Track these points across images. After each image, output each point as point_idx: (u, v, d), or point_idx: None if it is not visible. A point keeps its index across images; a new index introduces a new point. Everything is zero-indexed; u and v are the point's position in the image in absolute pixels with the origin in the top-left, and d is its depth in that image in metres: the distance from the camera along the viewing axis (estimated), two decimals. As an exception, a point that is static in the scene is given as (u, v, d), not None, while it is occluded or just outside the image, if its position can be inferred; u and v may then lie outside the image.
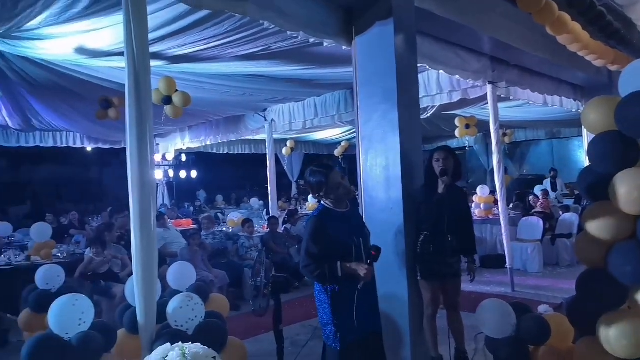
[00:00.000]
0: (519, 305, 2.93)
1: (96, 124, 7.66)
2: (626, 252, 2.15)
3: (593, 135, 2.36)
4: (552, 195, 10.98)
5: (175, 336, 2.51)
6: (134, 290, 2.80)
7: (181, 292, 3.39)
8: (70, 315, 2.75)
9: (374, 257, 2.52)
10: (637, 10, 4.18)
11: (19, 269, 5.53)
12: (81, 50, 4.51)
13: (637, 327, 2.15)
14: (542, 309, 3.14)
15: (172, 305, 2.90)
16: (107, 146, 10.64)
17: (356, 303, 2.51)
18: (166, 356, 1.85)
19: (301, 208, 11.61)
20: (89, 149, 11.44)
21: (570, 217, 7.77)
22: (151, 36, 4.08)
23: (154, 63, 4.97)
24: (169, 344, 1.93)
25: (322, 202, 2.71)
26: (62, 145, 9.84)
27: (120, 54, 4.38)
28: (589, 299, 2.31)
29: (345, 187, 2.68)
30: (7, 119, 7.50)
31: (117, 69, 5.09)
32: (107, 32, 4.03)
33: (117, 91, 6.01)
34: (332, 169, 2.73)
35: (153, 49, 4.48)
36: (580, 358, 2.38)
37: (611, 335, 2.16)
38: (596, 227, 2.26)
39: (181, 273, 3.75)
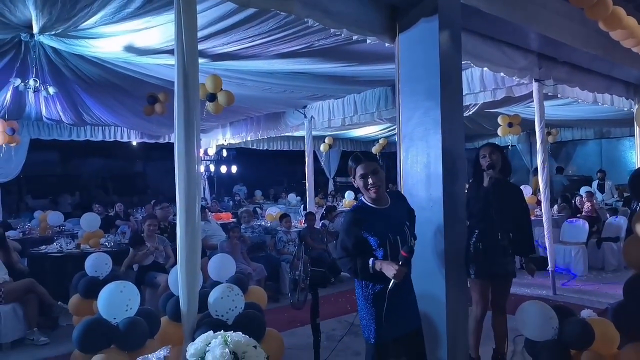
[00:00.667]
0: (561, 308, 2.86)
1: (142, 119, 7.94)
2: (679, 258, 2.07)
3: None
4: (600, 197, 10.55)
5: (215, 325, 2.60)
6: (177, 279, 2.91)
7: (221, 283, 3.49)
8: (118, 301, 2.89)
9: (405, 258, 2.39)
10: (699, 4, 3.96)
11: (69, 257, 5.82)
12: (132, 48, 4.70)
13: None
14: (585, 313, 3.05)
15: (214, 295, 3.00)
16: (152, 140, 11.01)
17: (387, 302, 2.44)
18: (209, 343, 1.93)
19: (338, 204, 11.65)
20: (134, 143, 11.86)
21: (618, 220, 7.45)
22: (199, 34, 4.23)
23: (200, 60, 5.14)
24: (211, 331, 2.00)
25: (361, 197, 2.70)
26: (110, 140, 10.27)
27: (168, 51, 4.57)
28: (637, 304, 2.23)
29: (369, 181, 2.51)
30: (61, 113, 7.89)
31: (164, 66, 5.27)
32: (157, 30, 4.18)
33: (163, 87, 6.22)
34: (361, 160, 2.55)
35: (200, 46, 4.60)
36: (627, 365, 2.31)
37: (661, 342, 2.09)
38: (647, 231, 2.18)
39: (221, 265, 3.86)
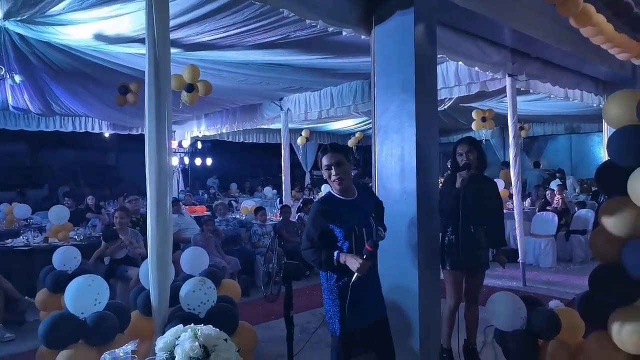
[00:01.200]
0: (530, 299, 2.92)
1: (114, 109, 7.76)
2: (642, 249, 2.12)
3: (613, 130, 2.32)
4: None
5: (187, 319, 2.55)
6: (148, 273, 2.86)
7: (194, 276, 3.45)
8: (86, 296, 2.82)
9: (369, 252, 2.34)
10: (664, 3, 4.07)
11: (36, 250, 5.66)
12: (102, 36, 4.57)
13: (651, 324, 2.13)
14: (553, 304, 3.12)
15: (185, 288, 2.96)
16: (124, 132, 10.78)
17: (350, 295, 2.42)
18: (178, 337, 1.89)
19: (315, 198, 11.64)
20: (106, 134, 11.59)
21: (585, 214, 7.66)
22: (171, 23, 4.13)
23: (172, 50, 5.03)
24: (181, 325, 1.96)
25: (329, 189, 2.68)
26: (81, 131, 10.00)
27: (141, 40, 4.45)
28: (602, 294, 2.29)
29: (333, 174, 2.49)
30: (28, 103, 7.64)
31: (136, 55, 5.14)
32: (128, 18, 4.07)
33: (135, 77, 6.08)
34: (326, 149, 2.54)
35: (172, 35, 4.51)
36: (590, 353, 2.37)
37: (623, 330, 2.15)
38: (612, 223, 2.23)
39: (194, 258, 3.81)
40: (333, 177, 2.49)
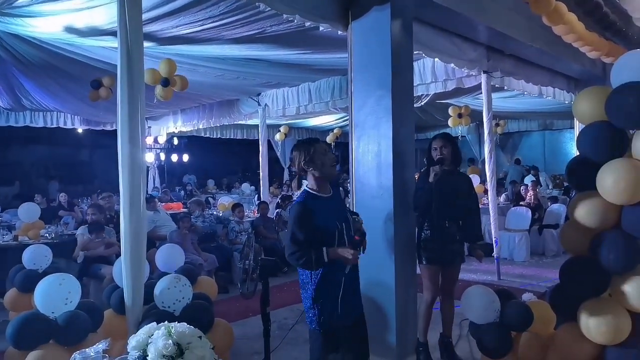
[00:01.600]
0: (503, 292, 2.97)
1: (88, 104, 7.57)
2: (610, 241, 2.18)
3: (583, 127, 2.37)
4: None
5: (161, 317, 2.51)
6: (122, 271, 2.80)
7: (169, 274, 3.40)
8: (56, 295, 2.75)
9: (357, 241, 2.47)
10: (634, 2, 4.18)
11: (5, 249, 5.50)
12: (73, 29, 4.44)
13: (617, 314, 2.19)
14: (526, 296, 3.18)
15: (160, 286, 2.92)
16: (98, 128, 10.55)
17: (342, 288, 2.48)
18: (152, 335, 1.86)
19: (293, 194, 11.61)
20: (80, 130, 11.33)
21: (558, 208, 7.85)
22: (144, 16, 4.04)
23: (146, 44, 4.93)
24: (155, 323, 1.93)
25: (305, 187, 2.67)
26: (53, 126, 9.73)
27: (113, 33, 4.34)
28: (572, 286, 2.34)
29: (332, 157, 2.57)
30: (-4, 97, 7.40)
31: (109, 48, 5.02)
32: (100, 10, 3.97)
33: (109, 72, 5.95)
34: (318, 140, 2.64)
35: (146, 29, 4.42)
36: (560, 343, 2.43)
37: (591, 321, 2.20)
38: (582, 216, 2.28)
39: (169, 255, 3.76)
40: (333, 162, 2.55)
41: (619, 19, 4.90)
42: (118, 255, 4.72)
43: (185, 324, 1.97)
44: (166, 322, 1.95)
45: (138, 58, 2.73)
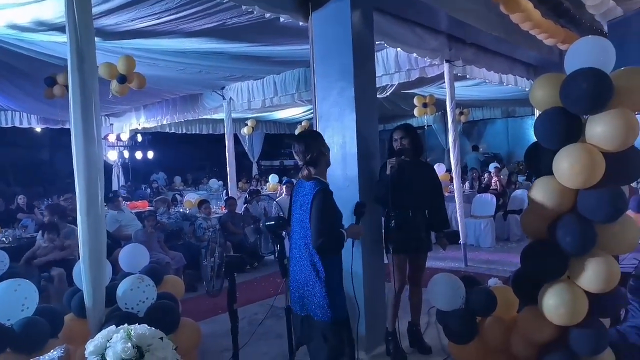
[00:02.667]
0: (468, 279, 3.02)
1: (43, 103, 7.28)
2: (567, 225, 2.23)
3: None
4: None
5: (125, 319, 2.44)
6: (82, 273, 2.70)
7: (133, 274, 3.31)
8: (11, 301, 2.64)
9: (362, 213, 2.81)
10: (586, -10, 4.29)
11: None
12: (19, 24, 4.24)
13: (574, 296, 2.25)
14: (491, 282, 3.24)
15: (122, 287, 2.83)
16: (57, 126, 10.18)
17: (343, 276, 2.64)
18: (110, 339, 1.80)
19: (262, 189, 11.54)
20: (38, 129, 10.92)
21: (521, 194, 8.05)
22: (96, 9, 3.90)
23: (101, 39, 4.76)
24: (114, 326, 1.88)
25: (314, 176, 2.58)
26: (8, 125, 9.35)
27: (62, 28, 4.17)
28: (532, 270, 2.40)
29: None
30: (-56, 97, 7.03)
31: (62, 43, 4.82)
32: (48, 4, 3.79)
33: (64, 67, 5.71)
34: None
35: (99, 22, 4.27)
36: (522, 326, 2.48)
37: (551, 303, 2.26)
38: (540, 201, 2.33)
39: (133, 255, 3.67)
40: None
41: (572, 7, 5.02)
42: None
43: (146, 325, 1.92)
44: (126, 324, 1.90)
45: (89, 52, 2.62)
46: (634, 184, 6.46)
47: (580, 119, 2.26)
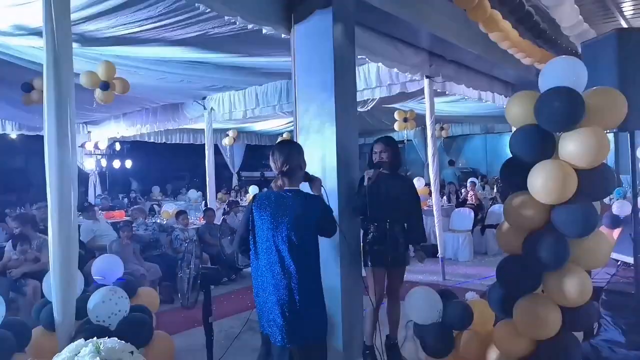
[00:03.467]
0: (446, 292, 3.03)
1: (20, 109, 7.14)
2: (541, 240, 2.26)
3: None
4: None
5: (95, 332, 2.38)
6: (52, 285, 2.63)
7: (106, 286, 3.23)
8: (-24, 314, 2.54)
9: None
10: (561, 11, 4.42)
11: None
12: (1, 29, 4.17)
13: (548, 310, 2.28)
14: (469, 295, 3.26)
15: (94, 299, 2.76)
16: (32, 133, 9.97)
17: None
18: (78, 353, 1.74)
19: (242, 200, 11.46)
20: (13, 135, 10.68)
21: (499, 208, 8.15)
22: (76, 15, 3.85)
23: (80, 45, 4.70)
24: (82, 339, 1.82)
25: (292, 188, 2.56)
26: (-20, 131, 9.13)
27: (40, 32, 4.10)
28: (507, 285, 2.42)
29: None
30: None
31: (40, 49, 4.74)
32: (29, 8, 3.73)
33: (42, 73, 5.61)
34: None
35: (80, 29, 4.22)
36: (498, 340, 2.50)
37: (525, 317, 2.28)
38: (515, 216, 2.36)
39: (107, 266, 3.58)
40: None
41: (549, 28, 5.17)
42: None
43: (116, 339, 1.87)
44: (95, 338, 1.85)
45: (66, 58, 2.59)
46: (606, 200, 6.62)
47: (554, 136, 2.31)
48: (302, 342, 2.43)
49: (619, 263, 3.57)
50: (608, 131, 2.48)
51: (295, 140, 3.90)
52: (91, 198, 11.04)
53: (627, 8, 5.68)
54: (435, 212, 6.34)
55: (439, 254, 6.32)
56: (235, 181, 14.70)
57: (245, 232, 2.57)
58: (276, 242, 2.44)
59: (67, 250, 2.58)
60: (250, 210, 2.57)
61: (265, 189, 2.72)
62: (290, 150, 2.63)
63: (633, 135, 3.11)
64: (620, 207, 4.99)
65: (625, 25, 6.06)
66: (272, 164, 2.59)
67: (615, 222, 4.81)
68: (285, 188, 2.52)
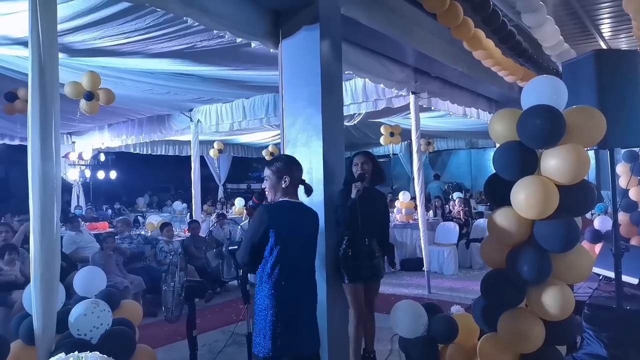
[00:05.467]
0: (431, 306, 3.04)
1: (2, 118, 7.04)
2: (524, 254, 2.30)
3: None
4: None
5: (76, 346, 2.34)
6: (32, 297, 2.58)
7: (88, 298, 3.18)
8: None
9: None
10: (542, 32, 4.54)
11: None
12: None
13: (532, 324, 2.30)
14: (454, 309, 3.29)
15: (75, 312, 2.71)
16: (14, 142, 9.84)
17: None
18: (59, 367, 1.72)
19: (228, 212, 11.39)
20: (-6, 145, 10.53)
21: (483, 223, 8.23)
22: (63, 26, 3.84)
23: (67, 55, 4.68)
24: (63, 354, 1.79)
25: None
26: (-39, 140, 8.97)
27: (25, 42, 4.08)
28: (491, 299, 2.44)
29: None
30: None
31: (24, 58, 4.71)
32: (15, 18, 3.72)
33: (26, 82, 5.56)
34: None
35: (66, 39, 4.20)
36: (483, 354, 2.51)
37: (509, 331, 2.30)
38: (498, 231, 2.40)
39: (89, 278, 3.51)
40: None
41: (531, 48, 5.30)
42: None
43: (98, 353, 1.84)
44: (76, 352, 1.82)
45: (51, 68, 2.57)
46: (588, 215, 6.74)
47: (536, 153, 2.36)
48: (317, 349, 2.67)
49: (600, 277, 3.63)
50: (588, 148, 2.53)
51: (282, 152, 3.92)
52: (73, 209, 10.88)
53: (605, 29, 5.87)
54: (420, 226, 6.38)
55: (425, 268, 6.35)
56: (220, 193, 14.63)
57: (259, 242, 2.56)
58: (307, 249, 2.72)
59: (49, 262, 2.54)
60: (266, 221, 2.56)
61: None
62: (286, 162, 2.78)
63: (613, 153, 3.20)
64: (601, 222, 5.09)
65: (603, 46, 6.24)
66: (291, 176, 2.66)
67: (596, 237, 4.90)
68: (294, 200, 2.70)
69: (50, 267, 2.54)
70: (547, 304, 2.31)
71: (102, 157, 12.36)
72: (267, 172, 2.70)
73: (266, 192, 2.72)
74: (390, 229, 4.05)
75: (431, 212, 9.37)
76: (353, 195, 3.43)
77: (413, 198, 8.55)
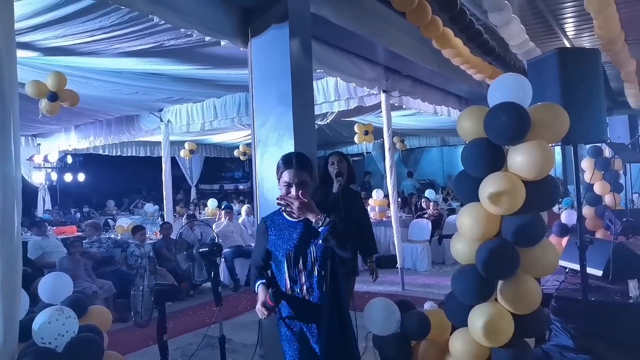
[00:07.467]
0: (403, 303, 3.06)
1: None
2: (493, 249, 2.33)
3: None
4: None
5: (41, 355, 2.27)
6: (-8, 305, 2.48)
7: (54, 305, 3.08)
8: None
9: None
10: (508, 30, 4.63)
11: None
12: None
13: (501, 318, 2.34)
14: (427, 305, 3.31)
15: (39, 320, 2.61)
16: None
17: None
18: (20, 378, 1.65)
19: (201, 213, 11.25)
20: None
21: (455, 219, 8.35)
22: (23, 24, 3.71)
23: (28, 54, 4.53)
24: (25, 363, 1.72)
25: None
26: None
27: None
28: (462, 294, 2.47)
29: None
30: None
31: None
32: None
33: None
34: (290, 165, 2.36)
35: (26, 38, 4.06)
36: (454, 349, 2.54)
37: (479, 325, 2.33)
38: (467, 226, 2.43)
39: (55, 284, 3.40)
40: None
41: (497, 46, 5.40)
42: None
43: (62, 362, 1.79)
44: (39, 361, 1.76)
45: (9, 67, 2.47)
46: (555, 210, 6.91)
47: (503, 149, 2.39)
48: None
49: (567, 270, 3.73)
50: (553, 144, 2.59)
51: (253, 152, 3.89)
52: (40, 213, 10.54)
53: (569, 28, 6.02)
54: (394, 223, 6.43)
55: (398, 265, 6.40)
56: (193, 194, 14.43)
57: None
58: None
59: (10, 268, 2.44)
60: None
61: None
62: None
63: (576, 148, 3.28)
64: (568, 216, 5.22)
65: (567, 44, 6.41)
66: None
67: (563, 230, 5.03)
68: None
69: (11, 274, 2.44)
70: (516, 298, 2.35)
71: (70, 159, 12.03)
72: (304, 176, 2.28)
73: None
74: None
75: (407, 208, 9.47)
76: (335, 190, 3.44)
77: (386, 196, 8.62)
